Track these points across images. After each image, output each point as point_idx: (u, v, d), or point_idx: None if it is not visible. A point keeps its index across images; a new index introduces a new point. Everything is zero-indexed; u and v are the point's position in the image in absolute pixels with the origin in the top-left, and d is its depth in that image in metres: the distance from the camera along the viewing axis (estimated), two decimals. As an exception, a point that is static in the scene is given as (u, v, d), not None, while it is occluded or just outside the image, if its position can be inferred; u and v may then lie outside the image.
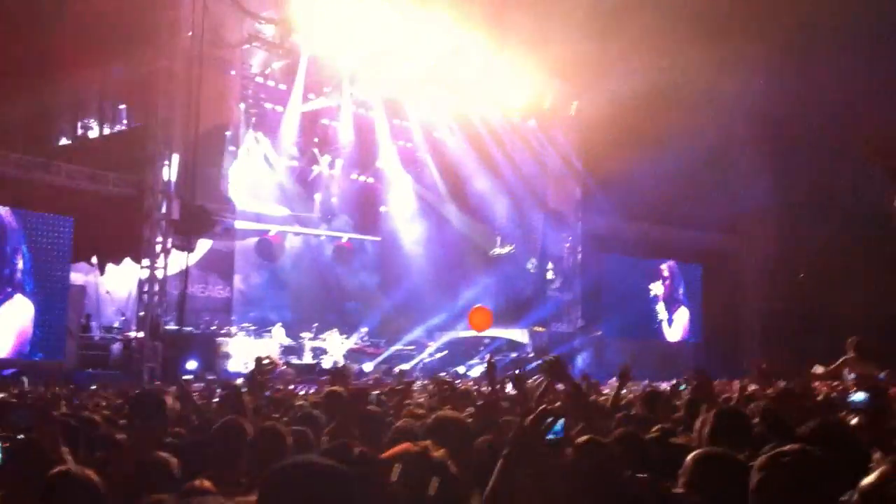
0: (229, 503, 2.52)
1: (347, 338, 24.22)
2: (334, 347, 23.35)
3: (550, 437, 3.09)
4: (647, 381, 18.42)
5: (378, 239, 28.36)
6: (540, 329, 26.28)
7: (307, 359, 22.51)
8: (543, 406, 3.13)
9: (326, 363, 22.01)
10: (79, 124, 22.13)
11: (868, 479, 2.06)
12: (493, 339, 26.00)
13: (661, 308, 29.32)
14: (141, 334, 18.36)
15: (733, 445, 3.81)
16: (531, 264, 27.30)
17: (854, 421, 5.67)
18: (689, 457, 3.35)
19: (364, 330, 25.37)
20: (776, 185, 28.35)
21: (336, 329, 23.95)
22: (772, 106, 23.75)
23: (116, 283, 20.67)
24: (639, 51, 23.07)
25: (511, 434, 3.13)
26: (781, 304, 29.62)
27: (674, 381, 12.49)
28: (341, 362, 22.45)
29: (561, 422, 3.14)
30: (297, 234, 26.51)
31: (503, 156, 26.31)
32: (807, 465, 2.85)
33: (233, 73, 20.91)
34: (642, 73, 22.87)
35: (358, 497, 2.26)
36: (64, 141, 21.86)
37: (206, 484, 3.56)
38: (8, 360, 16.50)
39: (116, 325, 20.30)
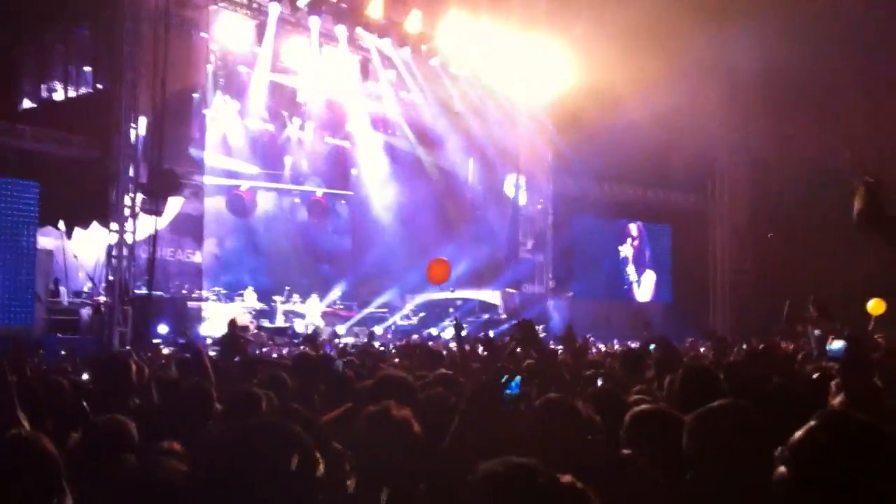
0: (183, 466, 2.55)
1: (321, 301, 24.26)
2: (312, 312, 23.43)
3: (507, 393, 3.13)
4: (615, 341, 18.71)
5: (351, 193, 28.24)
6: (512, 290, 26.44)
7: (279, 322, 22.55)
8: (500, 364, 3.16)
9: (300, 327, 22.04)
10: (43, 87, 21.74)
11: (798, 433, 2.10)
12: (466, 300, 26.14)
13: (631, 269, 29.62)
14: (110, 299, 18.24)
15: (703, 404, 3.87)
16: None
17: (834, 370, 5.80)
18: (627, 415, 3.41)
19: (337, 292, 25.41)
20: (745, 144, 28.57)
21: (315, 294, 24.02)
22: (742, 63, 23.81)
23: (85, 248, 20.48)
24: (608, 9, 23.03)
25: (468, 390, 3.16)
26: (750, 265, 30.03)
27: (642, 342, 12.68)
28: (320, 326, 22.55)
29: (517, 379, 3.19)
30: (269, 189, 26.35)
31: (475, 117, 26.22)
32: (736, 420, 2.86)
33: (201, 34, 20.58)
34: (613, 33, 22.82)
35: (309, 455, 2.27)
36: (28, 104, 21.47)
37: (176, 446, 3.60)
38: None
39: (85, 289, 20.15)
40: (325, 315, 23.97)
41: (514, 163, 27.49)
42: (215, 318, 19.89)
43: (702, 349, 14.64)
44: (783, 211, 27.04)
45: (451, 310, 24.93)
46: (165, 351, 13.66)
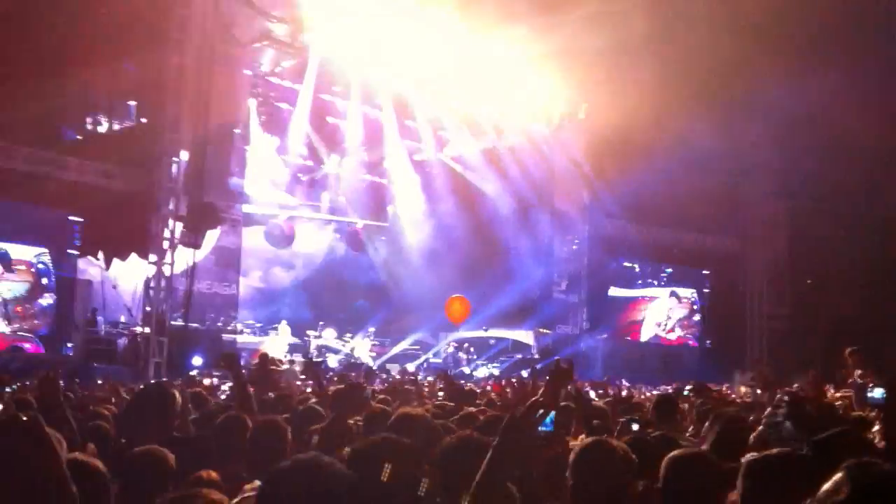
0: (225, 499, 2.54)
1: (352, 337, 24.28)
2: (361, 349, 23.55)
3: (541, 429, 3.10)
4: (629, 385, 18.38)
5: (387, 225, 28.32)
6: (545, 331, 26.28)
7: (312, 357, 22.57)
8: (534, 398, 3.12)
9: (333, 362, 22.05)
10: (88, 120, 22.16)
11: (826, 484, 2.03)
12: (498, 339, 26.05)
13: (665, 311, 29.30)
14: (147, 330, 18.40)
15: (734, 451, 3.83)
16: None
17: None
18: (665, 459, 3.36)
19: (371, 330, 25.43)
20: (784, 189, 28.30)
21: (364, 335, 24.18)
22: (781, 108, 23.65)
23: (123, 279, 20.75)
24: (646, 55, 23.04)
25: (503, 424, 3.13)
26: (787, 310, 29.58)
27: (675, 386, 12.52)
28: (369, 363, 22.66)
29: (551, 415, 3.15)
30: (308, 220, 26.48)
31: (511, 157, 26.31)
32: (792, 468, 2.85)
33: (244, 71, 20.93)
34: (650, 77, 22.83)
35: (355, 496, 2.28)
36: (72, 136, 21.88)
37: (213, 475, 3.60)
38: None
39: (122, 319, 20.38)
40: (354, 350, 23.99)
41: (550, 203, 27.46)
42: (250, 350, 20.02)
43: (742, 389, 14.47)
44: (821, 255, 26.69)
45: (486, 349, 24.90)
46: (207, 382, 13.70)
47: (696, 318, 29.67)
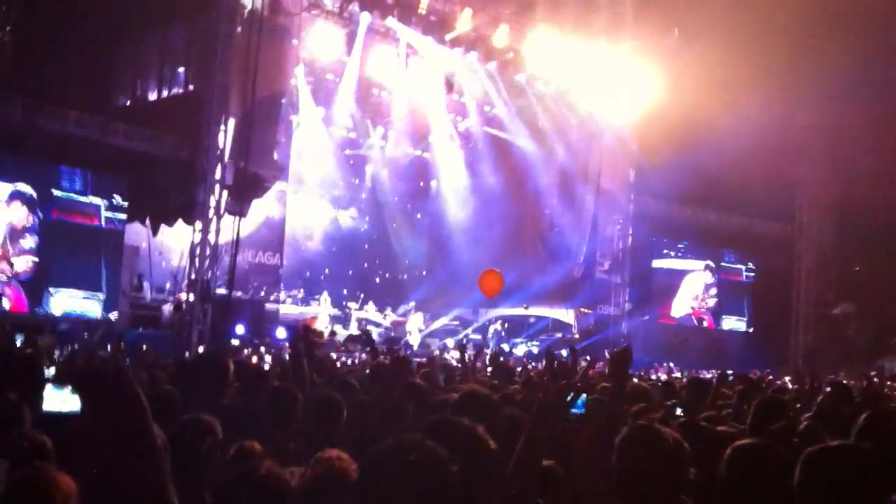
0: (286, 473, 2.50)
1: (393, 311, 24.34)
2: (414, 327, 23.64)
3: (573, 412, 3.08)
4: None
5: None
6: (586, 310, 26.08)
7: (352, 329, 22.67)
8: (565, 381, 3.05)
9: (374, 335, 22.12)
10: (137, 85, 22.33)
11: None
12: (539, 318, 25.94)
13: (710, 295, 28.92)
14: (191, 297, 18.57)
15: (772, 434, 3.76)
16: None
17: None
18: (730, 448, 3.28)
19: (412, 304, 25.45)
20: (836, 174, 27.73)
21: (421, 313, 24.28)
22: (837, 90, 23.08)
23: (170, 245, 20.96)
24: (699, 33, 22.62)
25: (534, 409, 3.05)
26: (834, 297, 29.11)
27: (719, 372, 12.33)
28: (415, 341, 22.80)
29: (583, 398, 3.11)
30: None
31: (557, 134, 26.05)
32: (854, 461, 2.80)
33: (292, 41, 20.89)
34: (702, 51, 22.41)
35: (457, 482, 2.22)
36: (122, 101, 22.08)
37: (256, 446, 3.57)
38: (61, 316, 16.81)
39: (168, 286, 20.60)
40: (396, 324, 24.02)
41: (595, 181, 27.15)
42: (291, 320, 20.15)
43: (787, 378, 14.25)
44: (871, 243, 26.15)
45: (526, 327, 24.77)
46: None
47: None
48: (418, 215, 28.80)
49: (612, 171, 27.20)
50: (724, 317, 29.18)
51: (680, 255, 28.53)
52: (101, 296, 18.00)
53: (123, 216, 18.52)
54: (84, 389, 1.86)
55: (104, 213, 18.31)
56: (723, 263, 29.25)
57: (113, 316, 18.18)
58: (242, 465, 2.60)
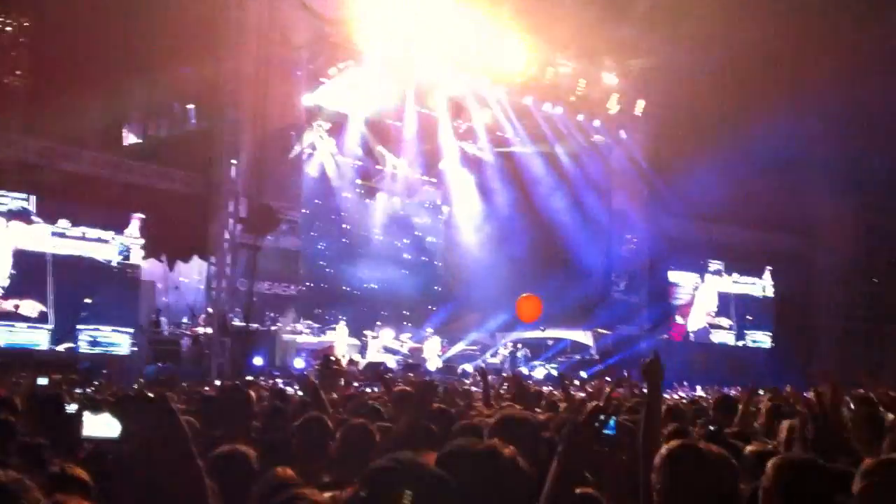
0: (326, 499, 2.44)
1: (411, 337, 24.24)
2: (431, 352, 23.55)
3: (605, 433, 3.03)
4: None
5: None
6: (604, 331, 25.92)
7: (371, 357, 22.55)
8: (595, 403, 3.01)
9: (392, 363, 22.02)
10: (148, 123, 22.50)
11: None
12: (557, 340, 25.79)
13: (730, 312, 28.67)
14: (209, 330, 18.59)
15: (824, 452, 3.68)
16: None
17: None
18: (771, 462, 3.21)
19: (430, 330, 25.35)
20: (852, 184, 27.56)
21: (437, 336, 24.21)
22: (852, 98, 23.01)
23: (186, 280, 21.00)
24: (706, 48, 22.64)
25: (564, 431, 3.00)
26: (857, 310, 28.86)
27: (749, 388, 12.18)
28: (438, 365, 22.72)
29: (613, 420, 3.06)
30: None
31: (568, 155, 26.08)
32: None
33: (298, 73, 21.05)
34: (710, 70, 22.43)
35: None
36: (133, 140, 22.24)
37: (290, 472, 3.52)
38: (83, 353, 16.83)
39: (185, 320, 20.64)
40: (413, 351, 23.89)
41: (608, 201, 27.09)
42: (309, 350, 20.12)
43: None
44: (892, 252, 25.94)
45: (544, 350, 24.58)
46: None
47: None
48: (432, 240, 28.75)
49: (625, 189, 27.14)
50: (746, 332, 28.86)
51: (695, 269, 28.20)
52: (129, 331, 18.08)
53: (141, 252, 18.53)
54: (125, 414, 1.83)
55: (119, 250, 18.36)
56: (742, 278, 28.97)
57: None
58: (283, 494, 2.55)
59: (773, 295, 29.02)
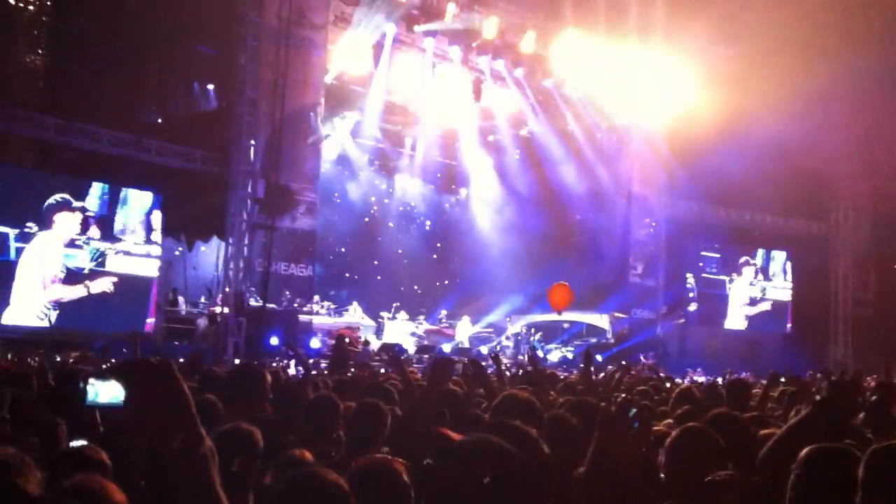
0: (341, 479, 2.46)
1: (426, 319, 24.33)
2: (462, 333, 23.70)
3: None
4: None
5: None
6: (620, 315, 25.88)
7: (387, 338, 22.68)
8: (625, 395, 3.12)
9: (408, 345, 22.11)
10: (167, 103, 22.58)
11: None
12: (573, 323, 25.80)
13: (745, 296, 28.53)
14: (226, 310, 18.71)
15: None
16: None
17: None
18: (808, 451, 3.21)
19: (444, 312, 25.43)
20: (870, 170, 27.34)
21: (467, 316, 24.31)
22: (869, 85, 22.78)
23: (203, 259, 21.13)
24: (726, 32, 22.47)
25: (599, 420, 3.16)
26: (872, 296, 28.67)
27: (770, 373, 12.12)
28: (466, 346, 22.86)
29: (633, 410, 3.20)
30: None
31: (587, 138, 25.96)
32: None
33: (319, 54, 21.01)
34: (733, 51, 22.25)
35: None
36: (152, 119, 22.32)
37: (307, 454, 3.56)
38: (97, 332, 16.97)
39: (202, 299, 20.79)
40: (429, 333, 23.97)
41: (626, 185, 26.98)
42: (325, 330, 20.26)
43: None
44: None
45: (559, 332, 24.58)
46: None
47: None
48: (448, 223, 28.78)
49: (644, 174, 26.99)
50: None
51: (716, 263, 27.99)
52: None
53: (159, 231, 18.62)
54: (128, 380, 1.85)
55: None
56: (758, 263, 28.80)
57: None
58: (297, 471, 2.58)
59: (790, 281, 28.83)
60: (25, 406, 4.88)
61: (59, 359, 11.52)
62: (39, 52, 19.87)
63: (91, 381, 2.31)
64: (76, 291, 17.07)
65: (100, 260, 17.46)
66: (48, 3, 19.91)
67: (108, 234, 17.63)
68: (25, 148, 18.87)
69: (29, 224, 16.48)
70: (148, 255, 18.16)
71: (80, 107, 18.46)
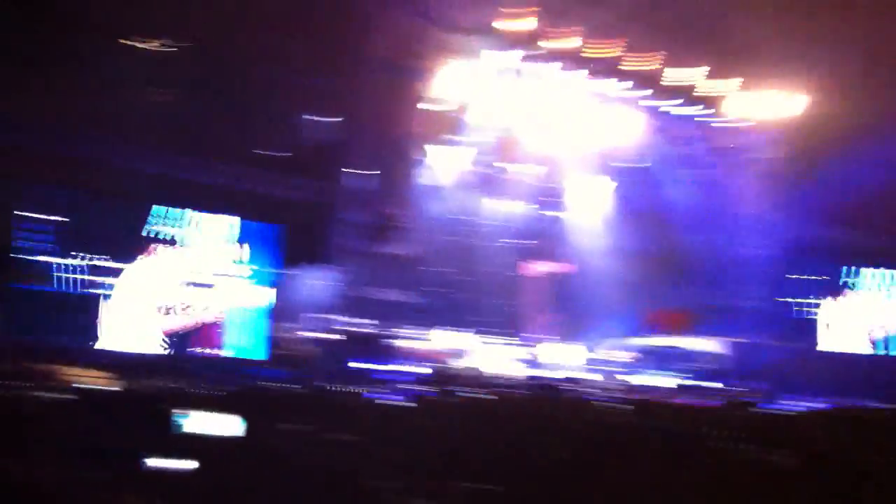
0: None
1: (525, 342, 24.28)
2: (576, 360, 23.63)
3: None
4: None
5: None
6: (729, 339, 25.18)
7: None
8: None
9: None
10: (277, 134, 23.30)
11: None
12: (673, 347, 25.31)
13: (865, 319, 27.31)
14: (326, 336, 19.23)
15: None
16: None
17: None
18: None
19: (547, 337, 25.30)
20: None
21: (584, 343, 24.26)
22: None
23: (306, 287, 21.80)
24: (848, 31, 21.67)
25: None
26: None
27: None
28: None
29: None
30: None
31: (693, 156, 25.56)
32: None
33: (422, 83, 21.40)
34: (844, 70, 21.50)
35: None
36: (263, 150, 23.09)
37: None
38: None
39: (301, 325, 21.35)
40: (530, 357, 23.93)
41: (736, 204, 26.28)
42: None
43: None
44: None
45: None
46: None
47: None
48: (548, 243, 28.59)
49: (755, 193, 26.25)
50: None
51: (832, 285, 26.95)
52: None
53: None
54: (220, 410, 2.03)
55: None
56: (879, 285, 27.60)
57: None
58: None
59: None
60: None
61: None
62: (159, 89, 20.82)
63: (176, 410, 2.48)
64: (188, 320, 17.88)
65: (212, 289, 18.23)
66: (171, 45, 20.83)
67: (219, 265, 18.39)
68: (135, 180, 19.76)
69: (139, 255, 17.34)
70: (258, 284, 18.86)
71: (197, 140, 19.29)
